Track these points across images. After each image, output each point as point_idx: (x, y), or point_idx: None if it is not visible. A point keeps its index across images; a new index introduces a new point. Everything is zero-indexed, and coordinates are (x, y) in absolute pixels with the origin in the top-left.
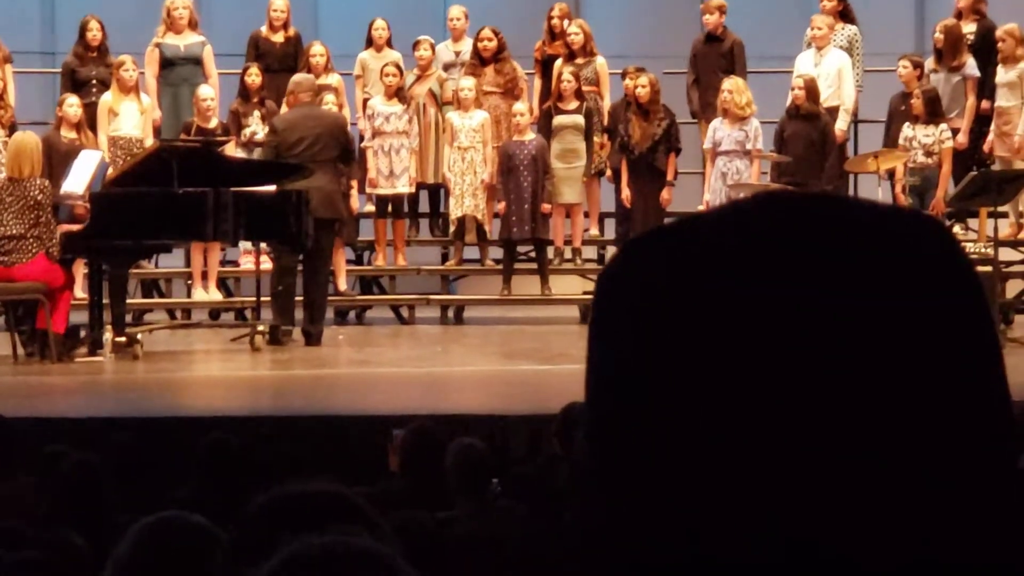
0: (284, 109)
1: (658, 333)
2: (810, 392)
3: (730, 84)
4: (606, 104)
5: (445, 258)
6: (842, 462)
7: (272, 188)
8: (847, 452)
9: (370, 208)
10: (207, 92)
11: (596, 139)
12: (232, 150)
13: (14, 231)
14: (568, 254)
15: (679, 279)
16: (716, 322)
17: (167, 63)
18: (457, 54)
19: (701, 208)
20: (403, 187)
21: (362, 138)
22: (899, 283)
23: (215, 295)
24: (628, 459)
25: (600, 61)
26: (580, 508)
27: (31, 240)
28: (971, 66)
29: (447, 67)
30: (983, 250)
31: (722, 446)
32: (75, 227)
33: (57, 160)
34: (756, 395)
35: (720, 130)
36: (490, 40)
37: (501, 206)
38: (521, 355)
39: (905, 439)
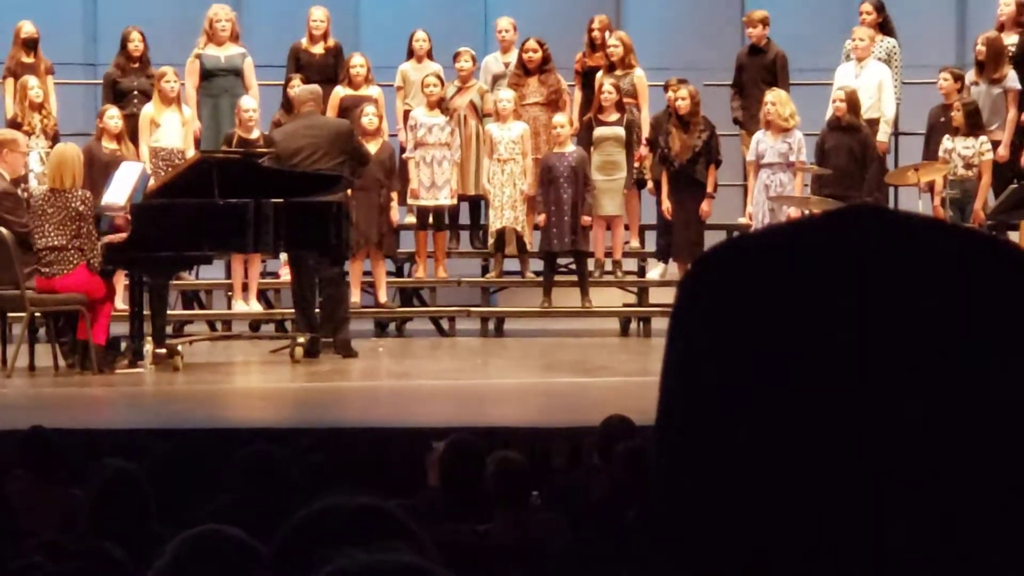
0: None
1: (735, 347)
2: (890, 411)
3: (773, 96)
4: (644, 116)
5: (485, 270)
6: (917, 478)
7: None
8: (923, 470)
9: (411, 220)
10: (249, 103)
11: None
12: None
13: (55, 242)
14: (608, 266)
15: (756, 292)
16: (794, 336)
17: (207, 74)
18: (507, 65)
19: (743, 220)
20: (445, 199)
21: (403, 149)
22: (982, 308)
23: (255, 307)
24: (699, 475)
25: (638, 73)
26: (644, 517)
27: (72, 251)
28: (1012, 78)
29: (496, 79)
30: None
31: (798, 461)
32: (116, 238)
33: (98, 171)
34: (835, 410)
35: (763, 142)
36: (535, 51)
37: (541, 218)
38: (561, 367)
39: (982, 456)
